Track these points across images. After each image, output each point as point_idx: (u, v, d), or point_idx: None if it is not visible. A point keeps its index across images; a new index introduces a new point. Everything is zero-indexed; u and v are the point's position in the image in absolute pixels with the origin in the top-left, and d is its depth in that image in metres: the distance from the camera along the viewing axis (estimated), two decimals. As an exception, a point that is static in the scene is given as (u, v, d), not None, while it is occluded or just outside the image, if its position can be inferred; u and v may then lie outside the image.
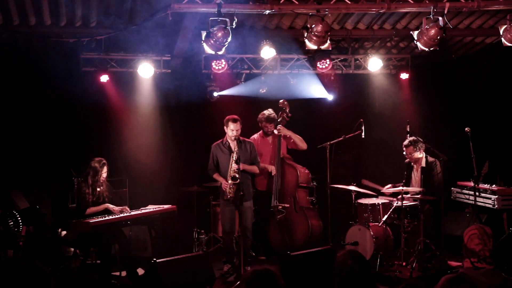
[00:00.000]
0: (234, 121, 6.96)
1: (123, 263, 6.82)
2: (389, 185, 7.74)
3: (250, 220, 7.22)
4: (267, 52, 8.19)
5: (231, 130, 6.95)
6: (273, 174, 7.72)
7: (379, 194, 7.81)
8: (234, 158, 6.82)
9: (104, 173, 6.85)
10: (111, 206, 6.77)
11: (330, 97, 9.37)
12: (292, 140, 7.96)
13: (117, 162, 8.19)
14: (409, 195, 7.32)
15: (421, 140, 7.48)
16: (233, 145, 6.99)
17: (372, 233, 7.23)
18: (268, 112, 7.85)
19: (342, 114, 9.44)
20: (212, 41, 6.35)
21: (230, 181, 6.87)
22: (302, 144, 7.96)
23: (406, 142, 7.49)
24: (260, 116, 7.88)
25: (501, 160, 8.26)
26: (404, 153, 7.54)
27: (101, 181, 6.85)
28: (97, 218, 6.54)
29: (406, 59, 9.21)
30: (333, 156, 7.75)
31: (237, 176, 6.76)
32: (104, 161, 6.88)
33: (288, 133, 7.90)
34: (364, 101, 9.74)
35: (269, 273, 2.99)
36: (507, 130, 8.64)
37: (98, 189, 6.84)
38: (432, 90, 9.23)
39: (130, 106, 9.14)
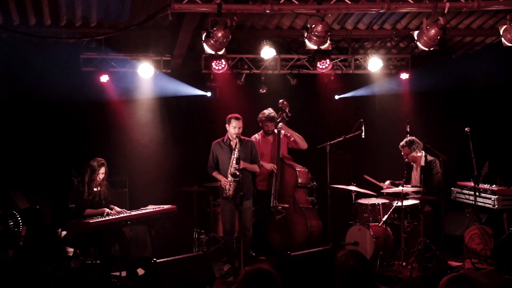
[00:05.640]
0: (237, 119, 7.00)
1: (123, 263, 6.82)
2: (388, 181, 7.75)
3: (250, 220, 7.23)
4: (267, 52, 8.19)
5: (233, 127, 6.97)
6: (274, 171, 7.71)
7: (379, 193, 7.81)
8: (235, 156, 6.83)
9: (101, 174, 6.83)
10: (107, 210, 6.76)
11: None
12: (292, 139, 7.97)
13: (117, 162, 8.19)
14: (409, 193, 7.33)
15: (418, 140, 7.49)
16: (234, 143, 6.99)
17: (372, 233, 7.22)
18: (268, 111, 7.87)
19: (342, 114, 9.45)
20: (212, 41, 6.35)
21: (230, 178, 6.89)
22: (302, 143, 7.97)
23: (402, 143, 7.55)
24: (260, 115, 7.90)
25: (501, 160, 8.25)
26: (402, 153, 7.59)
27: (98, 180, 6.83)
28: (97, 218, 6.55)
29: (406, 59, 9.21)
30: (333, 156, 7.75)
31: (238, 173, 6.77)
32: (103, 161, 6.87)
33: (289, 131, 7.92)
34: (364, 101, 9.73)
35: (263, 272, 2.98)
36: (507, 130, 8.64)
37: (95, 189, 6.83)
38: (432, 90, 9.22)
39: (130, 106, 9.14)
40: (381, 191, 7.71)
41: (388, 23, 8.05)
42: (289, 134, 7.95)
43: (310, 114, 9.64)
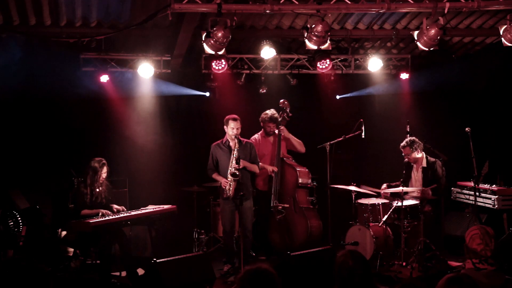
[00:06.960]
0: (234, 119, 7.00)
1: (123, 263, 6.82)
2: (385, 185, 7.74)
3: (250, 220, 7.23)
4: (267, 52, 8.19)
5: (232, 128, 6.97)
6: (275, 171, 7.70)
7: (379, 193, 7.81)
8: (234, 156, 6.84)
9: (103, 173, 6.85)
10: (104, 211, 6.75)
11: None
12: (291, 142, 7.97)
13: (117, 162, 8.19)
14: (412, 193, 7.33)
15: (418, 140, 7.48)
16: (233, 144, 7.00)
17: (372, 233, 7.22)
18: (271, 112, 7.85)
19: (342, 114, 9.45)
20: (212, 41, 6.35)
21: (230, 178, 6.89)
22: (300, 148, 7.98)
23: (402, 143, 7.53)
24: (262, 115, 7.88)
25: (501, 160, 8.26)
26: (403, 153, 7.58)
27: (101, 181, 6.84)
28: (97, 218, 6.54)
29: (406, 59, 9.21)
30: (333, 156, 7.75)
31: (237, 173, 6.77)
32: (104, 161, 6.88)
33: (289, 135, 7.92)
34: (364, 101, 9.74)
35: (262, 271, 2.98)
36: (507, 130, 8.64)
37: (97, 189, 6.84)
38: (432, 90, 9.23)
39: (130, 106, 9.14)
40: (380, 190, 7.71)
41: (388, 23, 8.04)
42: (288, 138, 7.95)
43: (310, 114, 9.64)
